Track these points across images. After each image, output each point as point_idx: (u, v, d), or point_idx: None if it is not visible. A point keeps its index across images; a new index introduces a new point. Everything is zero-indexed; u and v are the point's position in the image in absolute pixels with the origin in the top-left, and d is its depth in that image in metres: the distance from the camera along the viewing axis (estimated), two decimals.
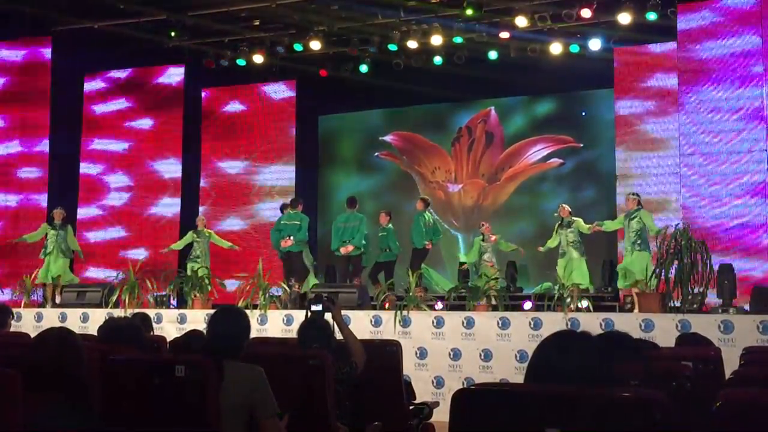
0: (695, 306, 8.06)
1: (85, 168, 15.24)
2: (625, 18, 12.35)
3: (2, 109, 14.47)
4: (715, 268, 8.44)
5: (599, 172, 14.68)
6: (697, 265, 8.16)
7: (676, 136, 12.31)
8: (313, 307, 4.86)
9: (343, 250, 11.32)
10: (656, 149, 13.10)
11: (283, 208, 12.25)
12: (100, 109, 15.34)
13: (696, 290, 8.11)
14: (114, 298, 10.11)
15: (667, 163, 12.96)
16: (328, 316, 4.80)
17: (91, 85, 15.43)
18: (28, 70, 14.39)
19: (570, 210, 11.29)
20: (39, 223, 12.92)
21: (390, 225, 11.73)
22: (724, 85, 11.75)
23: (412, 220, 11.89)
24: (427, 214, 11.72)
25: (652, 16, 12.24)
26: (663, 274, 8.22)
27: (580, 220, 11.28)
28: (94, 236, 14.91)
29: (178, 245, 12.83)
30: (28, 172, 14.27)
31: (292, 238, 11.40)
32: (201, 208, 15.13)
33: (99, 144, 15.31)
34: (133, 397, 3.45)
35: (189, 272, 11.04)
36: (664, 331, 7.34)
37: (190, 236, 12.47)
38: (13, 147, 14.36)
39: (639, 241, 10.10)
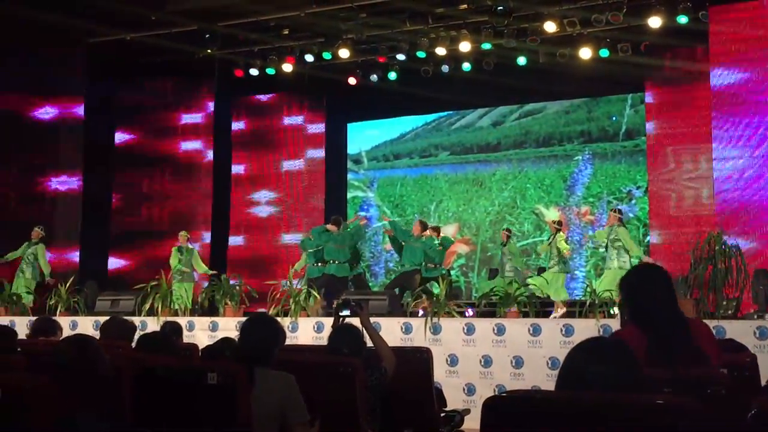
0: (730, 312, 7.95)
1: None
2: (655, 22, 12.23)
3: None
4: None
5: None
6: (732, 271, 8.05)
7: (709, 141, 12.17)
8: (341, 312, 4.87)
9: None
10: (689, 153, 12.99)
11: (333, 222, 11.93)
12: None
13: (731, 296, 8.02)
14: (147, 306, 10.18)
15: (702, 167, 12.85)
16: (357, 321, 4.81)
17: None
18: None
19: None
20: None
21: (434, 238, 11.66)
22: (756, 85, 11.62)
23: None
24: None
25: (683, 19, 12.09)
26: (697, 279, 8.13)
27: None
28: None
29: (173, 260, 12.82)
30: None
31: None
32: None
33: None
34: (165, 404, 3.47)
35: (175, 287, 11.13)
36: None
37: (175, 253, 12.62)
38: None
39: (613, 258, 10.32)
